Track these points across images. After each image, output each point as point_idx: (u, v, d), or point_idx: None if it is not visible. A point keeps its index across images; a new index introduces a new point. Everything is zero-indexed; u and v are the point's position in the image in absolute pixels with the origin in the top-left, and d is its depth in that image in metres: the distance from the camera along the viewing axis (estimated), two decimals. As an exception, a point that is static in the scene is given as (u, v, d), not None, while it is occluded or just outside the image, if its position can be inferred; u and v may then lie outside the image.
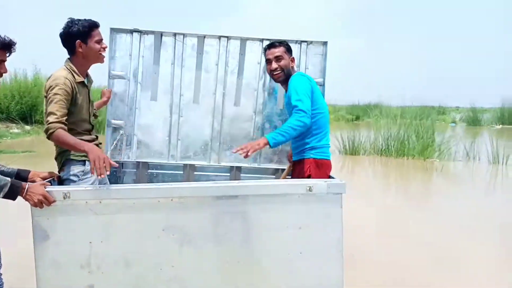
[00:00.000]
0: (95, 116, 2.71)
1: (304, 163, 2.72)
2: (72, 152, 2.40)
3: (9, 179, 2.02)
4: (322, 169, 2.68)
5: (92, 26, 2.43)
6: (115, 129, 3.33)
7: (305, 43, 3.32)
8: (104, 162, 2.08)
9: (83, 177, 2.43)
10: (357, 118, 24.27)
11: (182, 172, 3.42)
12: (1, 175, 2.03)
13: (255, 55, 3.38)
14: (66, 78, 2.34)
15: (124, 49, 3.28)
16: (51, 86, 2.31)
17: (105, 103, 3.14)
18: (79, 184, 2.39)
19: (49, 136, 2.26)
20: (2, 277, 2.30)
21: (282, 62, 2.76)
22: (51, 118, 2.25)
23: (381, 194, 6.79)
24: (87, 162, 2.40)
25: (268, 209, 2.26)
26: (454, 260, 3.76)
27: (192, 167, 3.42)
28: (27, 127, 11.40)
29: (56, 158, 2.52)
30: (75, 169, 2.42)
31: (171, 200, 2.21)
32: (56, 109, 2.27)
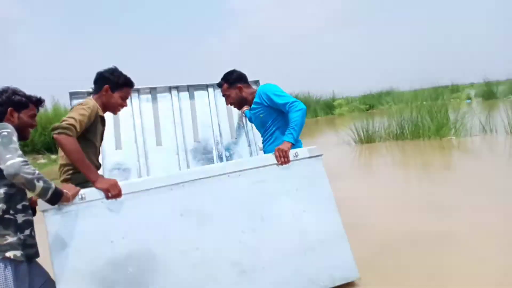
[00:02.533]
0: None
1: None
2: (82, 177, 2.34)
3: (53, 184, 2.04)
4: None
5: (128, 84, 2.63)
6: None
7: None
8: (115, 188, 2.26)
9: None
10: (371, 107, 24.21)
11: None
12: None
13: (203, 98, 3.97)
14: (94, 106, 2.45)
15: None
16: (80, 103, 2.43)
17: None
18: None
19: (59, 133, 2.19)
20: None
21: (230, 98, 3.07)
22: (71, 121, 2.24)
23: (402, 176, 6.87)
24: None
25: (268, 179, 2.58)
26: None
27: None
28: (53, 156, 11.88)
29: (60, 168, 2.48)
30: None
31: (183, 185, 2.40)
32: (80, 117, 2.29)
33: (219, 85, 3.12)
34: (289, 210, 2.59)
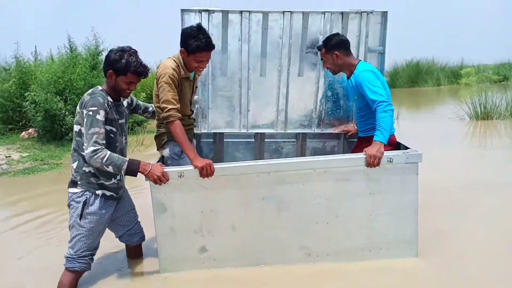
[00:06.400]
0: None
1: (372, 140, 2.81)
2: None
3: (127, 159, 2.50)
4: (388, 144, 2.78)
5: (205, 47, 2.66)
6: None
7: (365, 13, 3.43)
8: (210, 168, 2.54)
9: (182, 155, 2.82)
10: (506, 78, 21.16)
11: (253, 140, 3.72)
12: None
13: (317, 27, 3.51)
14: (174, 70, 2.66)
15: None
16: (161, 75, 2.66)
17: None
18: (180, 162, 2.80)
19: (168, 123, 2.65)
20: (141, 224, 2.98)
21: (327, 63, 3.04)
22: (170, 106, 2.61)
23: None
24: None
25: (353, 178, 2.64)
26: None
27: (262, 136, 3.72)
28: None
29: (156, 137, 2.92)
30: (176, 149, 2.82)
31: (269, 174, 2.62)
32: (171, 97, 2.63)
33: (319, 48, 3.10)
34: (366, 211, 2.68)
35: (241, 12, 3.49)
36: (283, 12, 3.50)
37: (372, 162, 2.57)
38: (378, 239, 2.71)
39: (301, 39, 3.54)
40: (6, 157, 7.10)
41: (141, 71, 2.53)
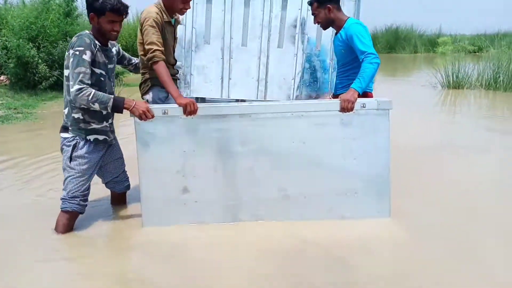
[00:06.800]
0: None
1: None
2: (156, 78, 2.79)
3: (112, 96, 2.55)
4: (364, 97, 2.91)
5: None
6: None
7: None
8: (193, 106, 2.60)
9: (166, 101, 2.92)
10: (480, 49, 21.62)
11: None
12: None
13: (296, 1, 3.77)
14: (157, 14, 2.72)
15: None
16: (146, 18, 2.70)
17: None
18: None
19: (152, 64, 2.68)
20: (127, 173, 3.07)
21: (318, 17, 3.07)
22: (155, 47, 2.66)
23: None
24: None
25: (328, 123, 2.76)
26: None
27: (242, 102, 3.81)
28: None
29: (140, 85, 2.98)
30: (160, 94, 2.91)
31: (250, 116, 2.72)
32: (156, 39, 2.67)
33: (310, 3, 3.14)
34: (341, 155, 2.79)
35: None
36: None
37: (346, 106, 2.70)
38: (353, 182, 2.82)
39: (281, 12, 3.81)
40: (-22, 103, 6.92)
41: (119, 7, 2.53)
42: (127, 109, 2.57)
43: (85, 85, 2.46)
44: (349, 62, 3.04)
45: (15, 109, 6.87)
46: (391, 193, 2.86)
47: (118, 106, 2.55)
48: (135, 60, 3.10)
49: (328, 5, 3.00)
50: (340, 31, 3.03)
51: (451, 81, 9.90)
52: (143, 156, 2.69)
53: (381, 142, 2.79)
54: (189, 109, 2.61)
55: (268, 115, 2.72)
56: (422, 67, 16.10)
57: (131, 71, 3.18)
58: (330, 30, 3.59)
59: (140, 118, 2.59)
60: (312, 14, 3.14)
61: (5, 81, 8.36)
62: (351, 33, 2.90)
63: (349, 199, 2.83)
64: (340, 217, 2.83)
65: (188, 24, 3.85)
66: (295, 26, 3.74)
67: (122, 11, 2.56)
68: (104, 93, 2.55)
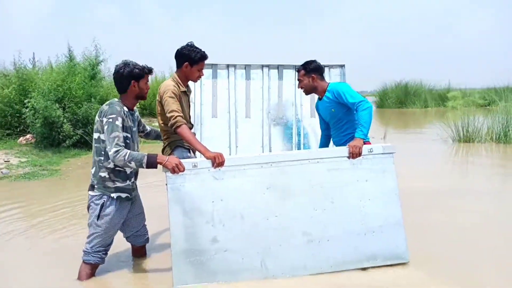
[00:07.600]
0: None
1: None
2: (179, 139, 3.07)
3: (145, 154, 2.73)
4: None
5: (202, 58, 3.08)
6: None
7: (327, 67, 4.34)
8: (221, 158, 2.80)
9: None
10: (491, 103, 21.86)
11: None
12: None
13: (290, 78, 4.43)
14: (174, 87, 3.02)
15: None
16: (165, 91, 2.99)
17: None
18: None
19: (175, 129, 2.90)
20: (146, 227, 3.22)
21: (303, 83, 3.45)
22: (176, 114, 2.90)
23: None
24: (191, 150, 3.18)
25: (341, 168, 3.01)
26: None
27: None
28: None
29: (164, 148, 3.18)
30: (184, 154, 3.10)
31: (271, 165, 2.93)
32: (176, 107, 2.94)
33: (298, 70, 3.51)
34: (356, 197, 3.00)
35: (227, 66, 4.35)
36: (262, 66, 4.45)
37: (354, 152, 2.97)
38: (370, 222, 2.99)
39: (278, 88, 4.43)
40: (5, 161, 7.23)
41: (150, 68, 2.93)
42: (161, 163, 2.73)
43: (120, 147, 2.68)
44: (342, 117, 3.33)
45: (40, 166, 7.16)
46: (405, 232, 3.02)
47: (152, 162, 2.72)
48: (149, 128, 3.32)
49: (313, 75, 3.38)
50: (326, 94, 3.37)
51: (462, 135, 10.03)
52: (174, 208, 2.78)
53: (390, 184, 3.04)
54: (218, 161, 2.78)
55: (288, 163, 2.93)
56: (433, 121, 16.30)
57: (141, 137, 3.34)
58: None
59: (173, 171, 2.73)
60: (298, 79, 3.51)
61: (31, 139, 8.77)
62: (338, 91, 3.26)
63: (368, 240, 2.99)
64: (366, 258, 2.97)
65: (196, 102, 4.30)
66: (292, 104, 4.42)
67: (151, 70, 2.97)
68: (138, 152, 2.77)
